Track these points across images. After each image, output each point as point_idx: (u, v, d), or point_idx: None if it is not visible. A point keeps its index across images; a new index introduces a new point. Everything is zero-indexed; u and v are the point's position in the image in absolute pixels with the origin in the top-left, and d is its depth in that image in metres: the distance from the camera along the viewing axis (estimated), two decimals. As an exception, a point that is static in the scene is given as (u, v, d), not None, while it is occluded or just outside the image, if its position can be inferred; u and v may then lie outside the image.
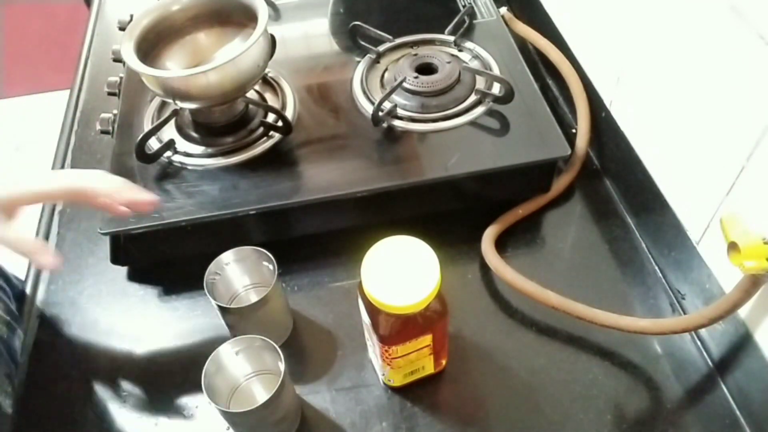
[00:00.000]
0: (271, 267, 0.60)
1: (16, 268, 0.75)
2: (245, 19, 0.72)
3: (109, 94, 0.79)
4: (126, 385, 0.62)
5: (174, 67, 0.73)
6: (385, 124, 0.72)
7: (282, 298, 0.62)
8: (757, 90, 0.49)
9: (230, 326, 0.61)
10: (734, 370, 0.58)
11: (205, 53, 0.75)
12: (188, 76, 0.65)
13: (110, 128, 0.75)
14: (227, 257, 0.61)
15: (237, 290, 0.65)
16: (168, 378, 0.62)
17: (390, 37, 0.82)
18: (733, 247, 0.48)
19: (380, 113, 0.71)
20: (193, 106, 0.71)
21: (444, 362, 0.61)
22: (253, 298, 0.64)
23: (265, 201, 0.66)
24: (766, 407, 0.54)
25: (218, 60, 0.64)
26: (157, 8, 0.71)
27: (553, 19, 0.87)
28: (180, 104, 0.69)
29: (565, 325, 0.64)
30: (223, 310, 0.58)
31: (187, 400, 0.60)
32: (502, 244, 0.70)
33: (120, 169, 0.70)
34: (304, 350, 0.63)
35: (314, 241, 0.71)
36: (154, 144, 0.71)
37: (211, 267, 0.59)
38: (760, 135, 0.50)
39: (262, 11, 0.68)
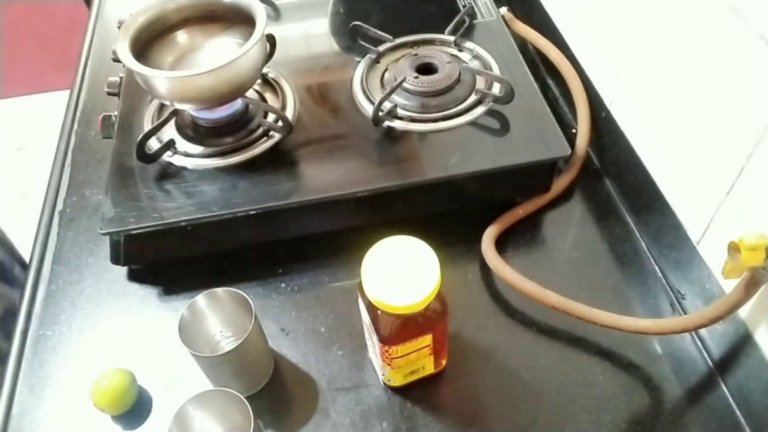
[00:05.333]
0: (249, 311, 0.57)
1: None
2: (242, 19, 0.71)
3: (109, 94, 0.79)
4: (126, 385, 0.62)
5: (168, 66, 0.73)
6: (385, 124, 0.72)
7: (261, 341, 0.60)
8: (757, 90, 0.49)
9: (205, 373, 0.58)
10: (734, 370, 0.58)
11: (200, 53, 0.75)
12: (183, 77, 0.65)
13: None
14: (202, 300, 0.58)
15: (214, 334, 0.62)
16: (168, 378, 0.62)
17: (390, 37, 0.82)
18: (733, 248, 0.48)
19: (380, 113, 0.71)
20: (188, 107, 0.71)
21: (444, 362, 0.61)
22: (232, 342, 0.62)
23: (265, 201, 0.66)
24: (766, 407, 0.54)
25: (214, 63, 0.64)
26: (152, 7, 0.71)
27: (553, 19, 0.87)
28: (176, 105, 0.69)
29: (565, 325, 0.64)
30: (197, 358, 0.55)
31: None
32: (502, 244, 0.70)
33: (120, 169, 0.70)
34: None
35: (314, 241, 0.71)
36: (154, 144, 0.71)
37: (185, 312, 0.57)
38: (760, 135, 0.50)
39: (260, 14, 0.68)
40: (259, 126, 0.73)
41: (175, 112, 0.72)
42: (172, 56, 0.74)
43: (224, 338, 0.63)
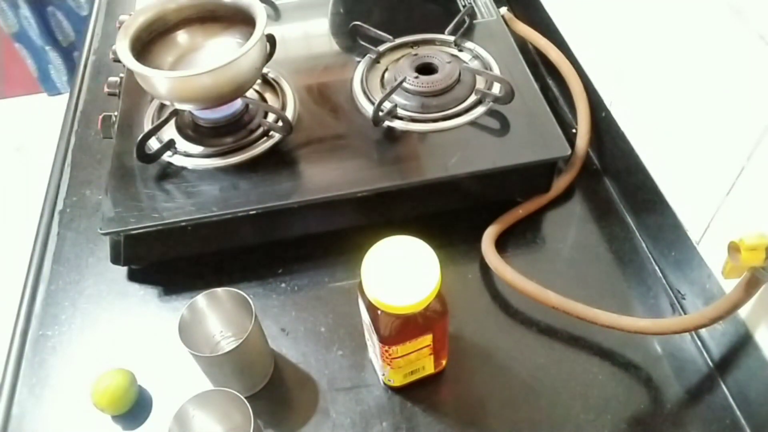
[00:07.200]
0: (249, 311, 0.57)
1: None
2: (242, 19, 0.71)
3: (109, 94, 0.79)
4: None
5: (168, 66, 0.73)
6: (385, 124, 0.72)
7: (261, 341, 0.60)
8: (757, 90, 0.49)
9: (205, 373, 0.58)
10: (734, 370, 0.58)
11: (200, 53, 0.75)
12: (183, 77, 0.65)
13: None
14: (202, 300, 0.58)
15: (214, 334, 0.62)
16: (168, 378, 0.62)
17: (390, 37, 0.82)
18: (733, 248, 0.48)
19: (380, 113, 0.71)
20: (188, 107, 0.71)
21: (444, 362, 0.61)
22: (232, 342, 0.62)
23: (265, 201, 0.66)
24: (766, 407, 0.54)
25: (214, 63, 0.64)
26: (152, 7, 0.71)
27: (553, 19, 0.87)
28: (176, 105, 0.69)
29: (565, 325, 0.64)
30: (197, 358, 0.55)
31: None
32: (502, 244, 0.70)
33: (120, 169, 0.70)
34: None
35: (314, 241, 0.71)
36: (154, 144, 0.71)
37: (185, 312, 0.57)
38: (760, 135, 0.50)
39: (261, 14, 0.68)
40: (259, 126, 0.73)
41: (175, 112, 0.72)
42: (172, 56, 0.74)
43: (224, 338, 0.63)
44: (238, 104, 0.73)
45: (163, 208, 0.66)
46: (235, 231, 0.69)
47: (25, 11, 1.42)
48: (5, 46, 2.07)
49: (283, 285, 0.69)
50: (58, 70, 1.64)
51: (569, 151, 0.69)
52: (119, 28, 0.69)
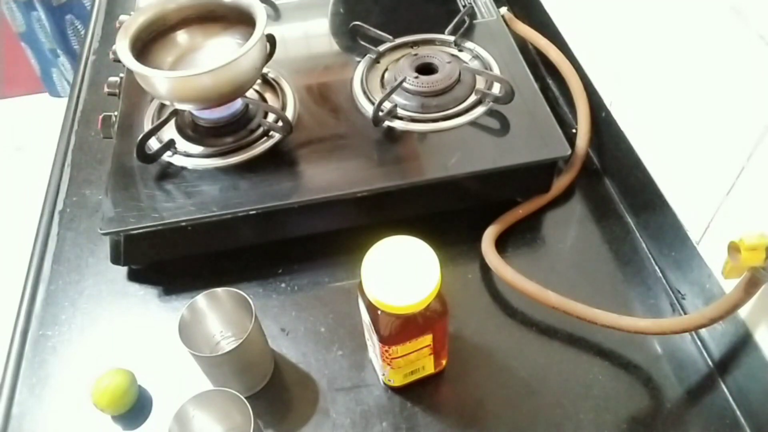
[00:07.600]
0: (249, 311, 0.57)
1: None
2: (242, 19, 0.71)
3: (109, 94, 0.79)
4: (126, 385, 0.62)
5: (168, 66, 0.73)
6: (385, 124, 0.72)
7: (261, 341, 0.60)
8: (757, 90, 0.49)
9: (205, 373, 0.58)
10: (734, 370, 0.58)
11: (200, 53, 0.75)
12: (183, 77, 0.65)
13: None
14: (202, 300, 0.58)
15: (214, 334, 0.62)
16: (168, 378, 0.62)
17: (390, 37, 0.82)
18: (733, 248, 0.48)
19: (380, 113, 0.71)
20: (188, 107, 0.71)
21: (444, 362, 0.61)
22: (232, 342, 0.62)
23: (265, 201, 0.66)
24: (766, 407, 0.54)
25: (214, 63, 0.64)
26: (152, 7, 0.71)
27: (553, 19, 0.87)
28: (176, 105, 0.69)
29: (565, 325, 0.64)
30: (197, 358, 0.55)
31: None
32: (502, 244, 0.70)
33: (120, 169, 0.70)
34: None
35: (314, 241, 0.71)
36: (154, 144, 0.71)
37: (185, 312, 0.57)
38: (760, 135, 0.50)
39: (261, 14, 0.68)
40: (259, 126, 0.73)
41: (175, 112, 0.72)
42: (172, 56, 0.74)
43: (224, 338, 0.63)
44: (238, 104, 0.73)
45: (163, 208, 0.66)
46: (235, 231, 0.69)
47: (40, 14, 1.42)
48: (7, 45, 2.07)
49: (283, 285, 0.69)
50: (67, 75, 1.65)
51: (569, 151, 0.69)
52: (119, 28, 0.69)
